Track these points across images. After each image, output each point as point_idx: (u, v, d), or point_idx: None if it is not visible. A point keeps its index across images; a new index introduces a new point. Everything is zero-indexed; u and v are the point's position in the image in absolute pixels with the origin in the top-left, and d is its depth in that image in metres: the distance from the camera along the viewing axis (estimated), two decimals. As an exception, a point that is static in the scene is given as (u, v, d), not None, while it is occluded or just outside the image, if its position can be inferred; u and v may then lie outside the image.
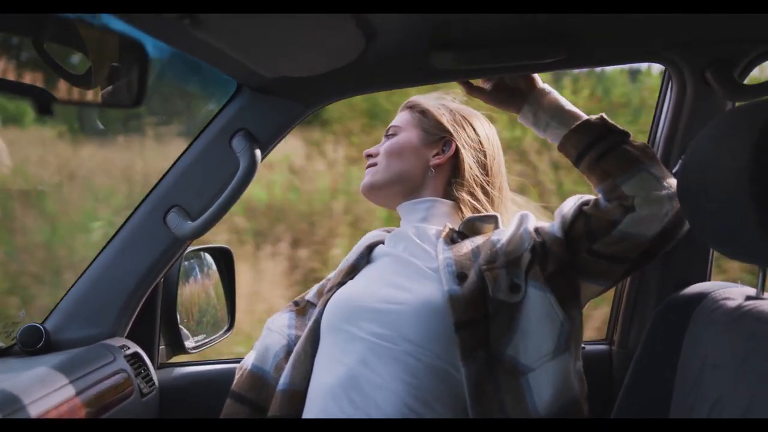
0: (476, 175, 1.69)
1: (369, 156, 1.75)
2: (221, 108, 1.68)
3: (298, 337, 1.65)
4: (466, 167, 1.69)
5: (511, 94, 1.60)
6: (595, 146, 1.49)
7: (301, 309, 1.75)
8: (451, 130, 1.70)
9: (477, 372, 1.42)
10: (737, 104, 1.63)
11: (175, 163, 1.70)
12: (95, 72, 1.16)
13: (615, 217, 1.47)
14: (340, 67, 1.50)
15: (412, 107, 1.76)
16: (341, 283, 1.64)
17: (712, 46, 1.57)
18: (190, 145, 1.70)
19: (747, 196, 1.10)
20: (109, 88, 1.12)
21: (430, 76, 1.61)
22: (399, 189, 1.71)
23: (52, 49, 1.13)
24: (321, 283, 1.80)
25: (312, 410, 1.49)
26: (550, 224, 1.56)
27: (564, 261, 1.49)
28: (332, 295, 1.61)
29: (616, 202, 1.47)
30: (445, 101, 1.76)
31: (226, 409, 1.63)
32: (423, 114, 1.72)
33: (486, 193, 1.70)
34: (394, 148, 1.71)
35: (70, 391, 1.37)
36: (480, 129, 1.74)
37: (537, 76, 1.59)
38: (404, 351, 1.44)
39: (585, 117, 1.54)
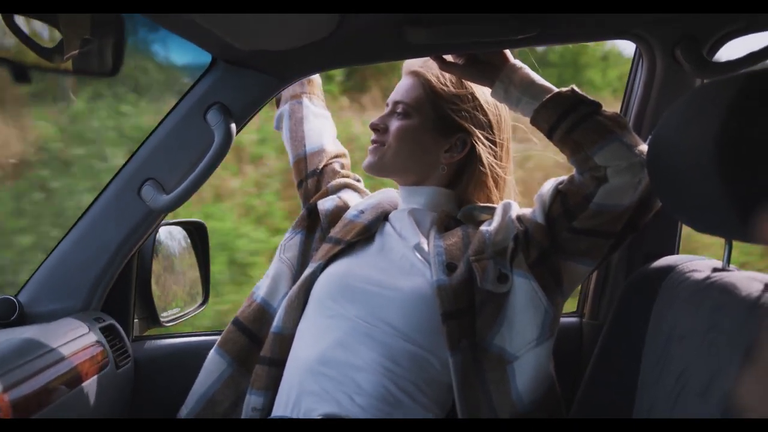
0: (487, 172, 1.67)
1: (375, 129, 1.69)
2: (196, 81, 1.67)
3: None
4: (480, 166, 1.66)
5: (483, 69, 1.59)
6: (566, 118, 1.49)
7: (311, 225, 1.74)
8: (467, 127, 1.65)
9: (463, 361, 1.44)
10: (705, 81, 1.65)
11: (149, 136, 1.69)
12: (67, 43, 1.15)
13: (589, 191, 1.48)
14: (315, 41, 1.50)
15: (423, 83, 1.66)
16: (349, 244, 1.62)
17: (681, 23, 1.59)
18: (164, 118, 1.69)
19: (713, 171, 1.12)
20: (85, 56, 1.12)
21: (405, 51, 1.61)
22: (404, 175, 1.70)
23: (24, 22, 1.12)
24: (344, 181, 1.83)
25: (290, 383, 1.50)
26: (531, 211, 1.57)
27: (546, 246, 1.51)
28: (332, 259, 1.61)
29: (588, 174, 1.48)
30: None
31: (226, 334, 1.65)
32: (436, 100, 1.65)
33: (496, 183, 1.68)
34: (406, 134, 1.65)
35: (45, 361, 1.36)
36: (491, 110, 1.68)
37: (508, 52, 1.59)
38: (385, 334, 1.46)
39: (556, 90, 1.54)
